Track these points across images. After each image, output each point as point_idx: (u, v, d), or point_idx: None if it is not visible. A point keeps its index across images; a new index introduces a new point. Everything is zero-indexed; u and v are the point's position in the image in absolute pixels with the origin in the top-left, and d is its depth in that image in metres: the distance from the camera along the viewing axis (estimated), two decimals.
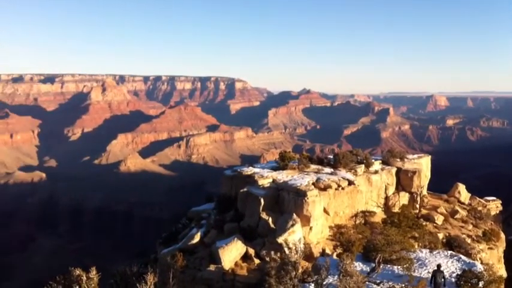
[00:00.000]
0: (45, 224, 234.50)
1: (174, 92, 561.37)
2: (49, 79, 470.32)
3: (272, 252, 30.05)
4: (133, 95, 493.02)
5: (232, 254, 31.09)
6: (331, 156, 43.61)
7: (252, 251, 31.62)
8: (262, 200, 34.01)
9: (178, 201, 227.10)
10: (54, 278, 21.58)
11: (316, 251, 31.55)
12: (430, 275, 23.17)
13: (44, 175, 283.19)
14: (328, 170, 39.58)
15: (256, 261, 31.26)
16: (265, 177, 36.40)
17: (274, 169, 39.40)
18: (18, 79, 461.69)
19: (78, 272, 21.91)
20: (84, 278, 21.68)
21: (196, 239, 34.95)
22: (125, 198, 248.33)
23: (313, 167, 40.24)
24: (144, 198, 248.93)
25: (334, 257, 28.06)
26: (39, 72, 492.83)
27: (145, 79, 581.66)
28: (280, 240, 30.15)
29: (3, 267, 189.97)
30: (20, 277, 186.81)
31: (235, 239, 31.88)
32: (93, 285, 21.71)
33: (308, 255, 29.54)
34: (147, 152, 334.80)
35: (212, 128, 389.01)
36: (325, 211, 35.01)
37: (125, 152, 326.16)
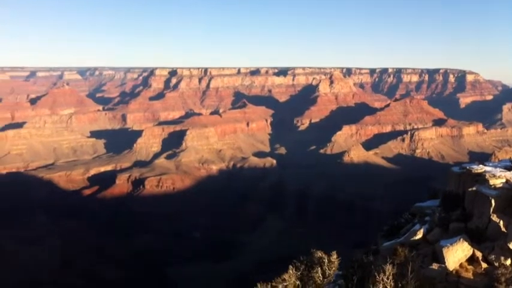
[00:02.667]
0: (274, 206, 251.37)
1: (400, 85, 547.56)
2: (282, 72, 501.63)
3: (502, 258, 28.16)
4: (359, 87, 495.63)
5: (457, 254, 29.80)
6: None
7: (479, 254, 29.87)
8: (493, 201, 31.71)
9: (399, 195, 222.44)
10: (299, 257, 22.82)
11: None
12: None
13: (274, 161, 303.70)
14: None
15: (484, 265, 29.42)
16: (498, 177, 33.61)
17: (508, 169, 36.09)
18: (255, 72, 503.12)
19: (320, 254, 22.86)
20: (326, 260, 22.58)
21: (419, 235, 34.12)
22: (346, 188, 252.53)
23: None
24: (366, 190, 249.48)
25: None
26: (274, 65, 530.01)
27: (372, 72, 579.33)
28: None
29: (235, 245, 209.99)
30: (247, 255, 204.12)
31: (461, 239, 30.40)
32: (333, 268, 22.53)
33: None
34: (370, 144, 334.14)
35: (439, 122, 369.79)
36: None
37: (349, 143, 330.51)
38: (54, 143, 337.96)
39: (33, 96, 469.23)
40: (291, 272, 22.32)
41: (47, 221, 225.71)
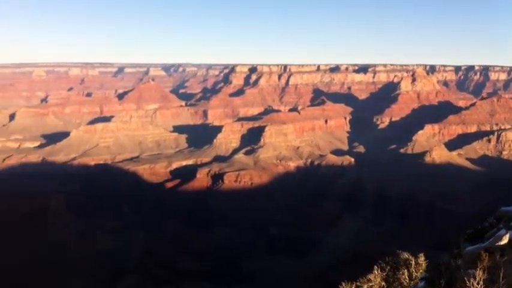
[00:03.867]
0: (351, 205, 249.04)
1: (487, 83, 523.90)
2: (362, 69, 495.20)
3: None
4: (442, 85, 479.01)
5: None
6: None
7: None
8: None
9: (483, 198, 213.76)
10: (384, 258, 22.49)
11: None
12: None
13: (352, 159, 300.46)
14: None
15: None
16: None
17: None
18: (334, 69, 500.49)
19: (406, 255, 22.46)
20: (413, 262, 22.12)
21: (504, 240, 33.95)
22: (427, 189, 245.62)
23: None
24: (447, 192, 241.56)
25: None
26: (354, 62, 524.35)
27: (457, 69, 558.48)
28: None
29: (311, 242, 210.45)
30: (324, 253, 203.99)
31: None
32: (420, 270, 22.02)
33: None
34: (453, 144, 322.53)
35: None
36: None
37: (431, 143, 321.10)
38: (140, 137, 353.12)
39: (120, 91, 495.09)
40: (376, 272, 22.01)
41: (131, 211, 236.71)
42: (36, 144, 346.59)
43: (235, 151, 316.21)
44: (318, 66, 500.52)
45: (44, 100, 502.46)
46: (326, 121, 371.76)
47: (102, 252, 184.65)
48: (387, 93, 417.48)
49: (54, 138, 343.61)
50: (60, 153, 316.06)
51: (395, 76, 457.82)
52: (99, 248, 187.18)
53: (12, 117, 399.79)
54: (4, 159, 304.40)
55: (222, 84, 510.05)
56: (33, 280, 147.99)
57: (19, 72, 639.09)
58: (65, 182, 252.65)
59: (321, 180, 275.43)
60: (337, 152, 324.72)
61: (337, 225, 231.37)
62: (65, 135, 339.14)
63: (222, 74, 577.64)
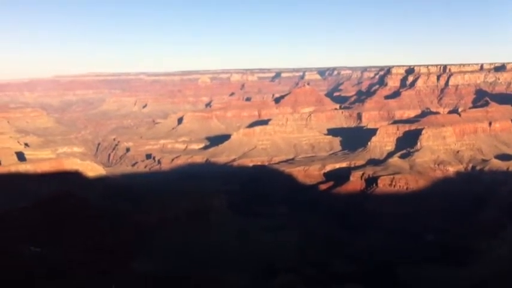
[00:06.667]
0: None
1: None
2: None
3: None
4: None
5: None
6: None
7: None
8: None
9: None
10: None
11: None
12: None
13: None
14: None
15: None
16: None
17: None
18: (500, 68, 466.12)
19: None
20: None
21: None
22: None
23: None
24: None
25: None
26: None
27: None
28: None
29: (469, 252, 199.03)
30: (485, 264, 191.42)
31: None
32: None
33: None
34: None
35: None
36: None
37: None
38: (295, 139, 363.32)
39: (277, 95, 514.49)
40: None
41: (285, 211, 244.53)
42: (201, 145, 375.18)
43: (390, 154, 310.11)
44: (481, 66, 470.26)
45: (208, 105, 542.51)
46: (490, 123, 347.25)
47: (257, 250, 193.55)
48: None
49: (216, 140, 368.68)
50: (222, 155, 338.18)
51: None
52: (254, 246, 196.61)
53: (180, 120, 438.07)
54: (173, 159, 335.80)
55: (377, 86, 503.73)
56: (192, 274, 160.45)
57: (186, 79, 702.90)
58: (225, 182, 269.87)
59: (482, 187, 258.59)
60: (503, 157, 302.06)
61: (500, 235, 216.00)
62: (226, 137, 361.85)
63: (377, 76, 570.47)
